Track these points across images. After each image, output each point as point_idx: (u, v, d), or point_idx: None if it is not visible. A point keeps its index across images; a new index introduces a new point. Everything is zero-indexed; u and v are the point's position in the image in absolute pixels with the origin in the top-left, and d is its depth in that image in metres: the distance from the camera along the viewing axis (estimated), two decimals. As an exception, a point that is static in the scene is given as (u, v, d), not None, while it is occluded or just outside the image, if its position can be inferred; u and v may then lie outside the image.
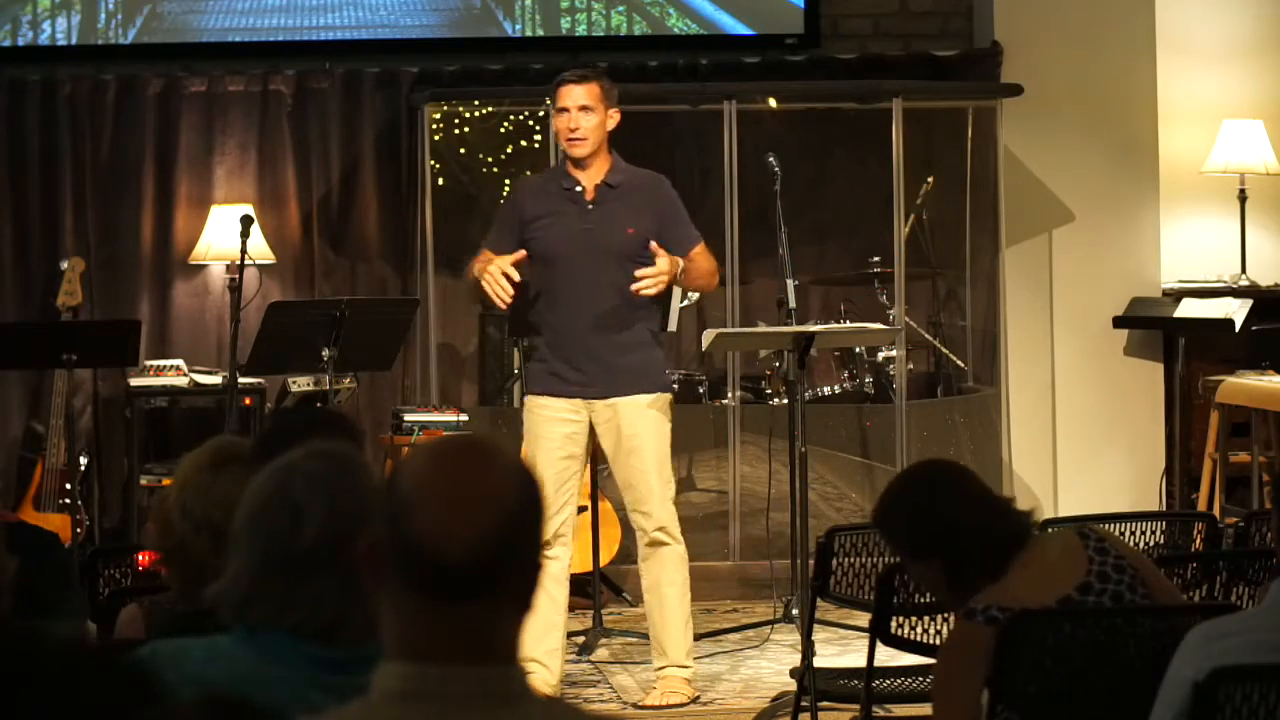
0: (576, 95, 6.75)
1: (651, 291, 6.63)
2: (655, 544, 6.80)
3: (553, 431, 6.73)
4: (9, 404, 9.33)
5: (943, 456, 4.36)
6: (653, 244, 6.65)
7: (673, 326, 8.49)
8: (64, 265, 9.01)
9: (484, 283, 6.61)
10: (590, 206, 6.75)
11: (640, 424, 6.76)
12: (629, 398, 6.76)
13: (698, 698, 6.86)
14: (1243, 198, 9.77)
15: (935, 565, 4.11)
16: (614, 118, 6.80)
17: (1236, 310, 9.11)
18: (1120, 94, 9.67)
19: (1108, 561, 4.10)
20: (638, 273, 6.59)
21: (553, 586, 6.64)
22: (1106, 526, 4.88)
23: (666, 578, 6.82)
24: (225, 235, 8.96)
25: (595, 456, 7.88)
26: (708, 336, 7.28)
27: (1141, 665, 3.92)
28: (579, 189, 6.76)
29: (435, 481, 2.23)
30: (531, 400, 6.85)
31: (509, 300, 6.61)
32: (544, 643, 6.64)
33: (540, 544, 2.28)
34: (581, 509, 8.17)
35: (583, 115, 6.73)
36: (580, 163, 6.76)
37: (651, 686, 6.90)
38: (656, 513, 6.79)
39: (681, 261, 6.68)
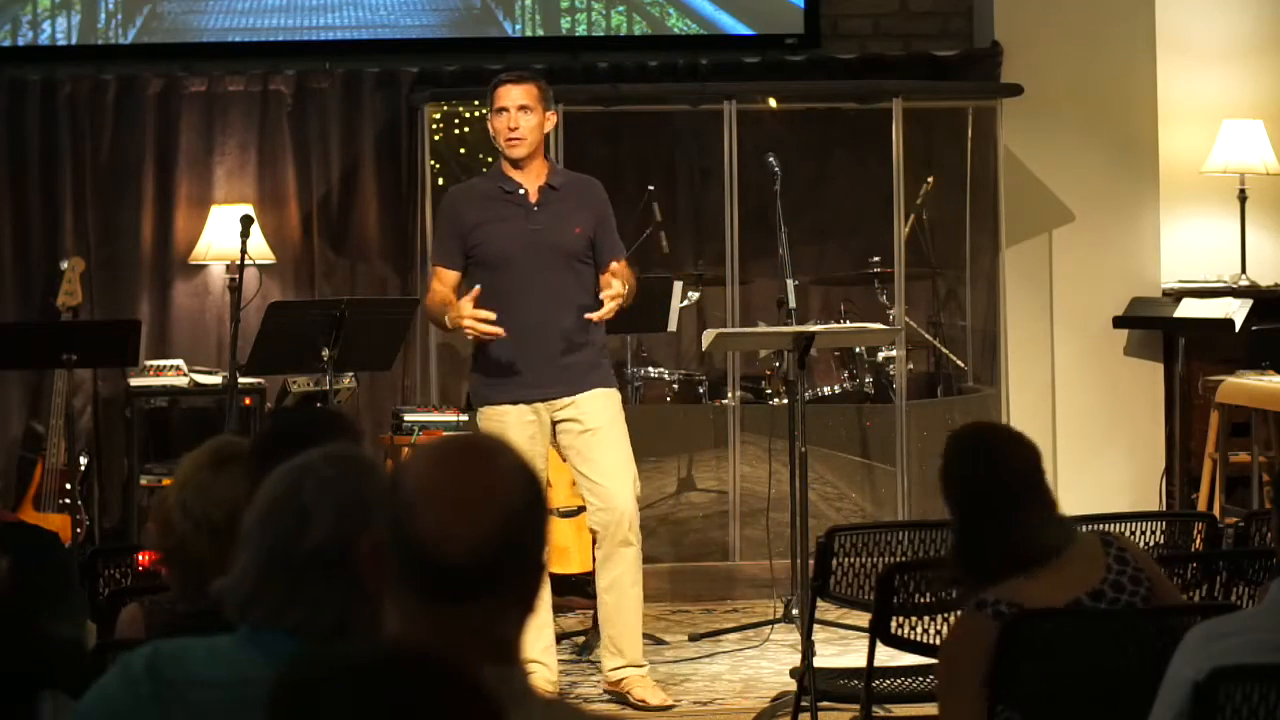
0: (515, 95, 6.72)
1: (610, 315, 6.61)
2: (622, 543, 6.72)
3: (518, 438, 6.56)
4: (9, 404, 9.33)
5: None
6: (604, 276, 6.65)
7: (673, 326, 8.49)
8: (64, 265, 9.01)
9: (470, 333, 6.60)
10: (535, 208, 6.71)
11: (604, 417, 6.72)
12: (589, 393, 6.72)
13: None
14: (1243, 198, 9.78)
15: (968, 536, 4.07)
16: (551, 119, 6.80)
17: (1236, 310, 9.12)
18: (1120, 94, 9.67)
19: (1125, 572, 4.07)
20: (605, 296, 6.58)
21: None
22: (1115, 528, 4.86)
23: (630, 578, 6.75)
24: (225, 235, 8.96)
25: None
26: (708, 336, 7.28)
27: (1141, 665, 3.91)
28: (522, 191, 6.72)
29: (438, 482, 2.23)
30: (490, 410, 6.74)
31: (498, 331, 6.59)
32: (540, 641, 6.65)
33: (544, 544, 2.28)
34: (580, 509, 8.17)
35: (522, 115, 6.70)
36: (518, 164, 6.72)
37: (621, 688, 6.82)
38: (623, 511, 6.71)
39: (629, 281, 6.70)
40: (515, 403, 6.71)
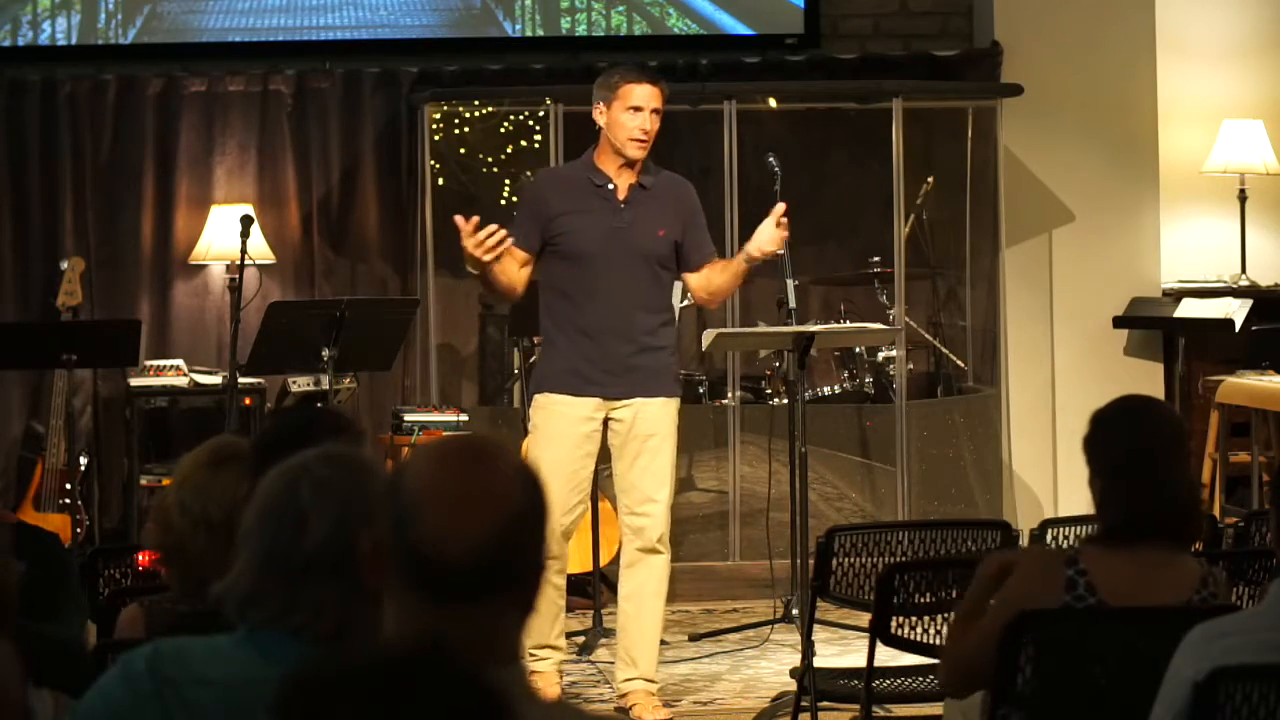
0: (653, 98, 6.67)
1: (780, 243, 6.63)
2: (650, 551, 6.67)
3: (572, 430, 6.59)
4: (9, 404, 9.33)
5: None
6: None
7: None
8: (64, 265, 9.01)
9: (475, 256, 6.42)
10: (623, 206, 6.62)
11: (659, 426, 6.65)
12: (649, 399, 6.64)
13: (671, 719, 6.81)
14: (1243, 198, 9.78)
15: (1096, 486, 4.08)
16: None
17: (1236, 310, 9.12)
18: (1120, 94, 9.68)
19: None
20: (774, 221, 6.59)
21: (556, 577, 6.65)
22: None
23: (652, 588, 6.67)
24: (225, 235, 8.96)
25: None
26: (708, 336, 7.27)
27: (1141, 665, 3.92)
28: (611, 187, 6.62)
29: (439, 483, 2.23)
30: (547, 398, 6.65)
31: (500, 244, 6.42)
32: (555, 627, 6.69)
33: (543, 545, 2.28)
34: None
35: (653, 118, 6.65)
36: (631, 163, 6.63)
37: (626, 703, 6.75)
38: (660, 519, 6.67)
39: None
40: (577, 395, 6.62)
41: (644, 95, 6.65)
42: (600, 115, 6.69)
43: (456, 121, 9.53)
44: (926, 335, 9.69)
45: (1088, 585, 3.99)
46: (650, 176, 6.71)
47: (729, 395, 9.11)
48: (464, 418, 8.79)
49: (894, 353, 9.20)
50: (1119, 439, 4.08)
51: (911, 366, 9.39)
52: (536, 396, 6.73)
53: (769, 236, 6.58)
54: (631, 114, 6.63)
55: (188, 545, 3.55)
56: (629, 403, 6.65)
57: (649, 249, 6.64)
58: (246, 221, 8.27)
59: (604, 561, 8.15)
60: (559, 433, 6.62)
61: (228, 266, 9.17)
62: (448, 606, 2.20)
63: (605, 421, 6.68)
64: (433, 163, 9.34)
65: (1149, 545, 4.02)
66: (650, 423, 6.64)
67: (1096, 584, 3.99)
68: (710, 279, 6.71)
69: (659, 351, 6.69)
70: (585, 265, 6.60)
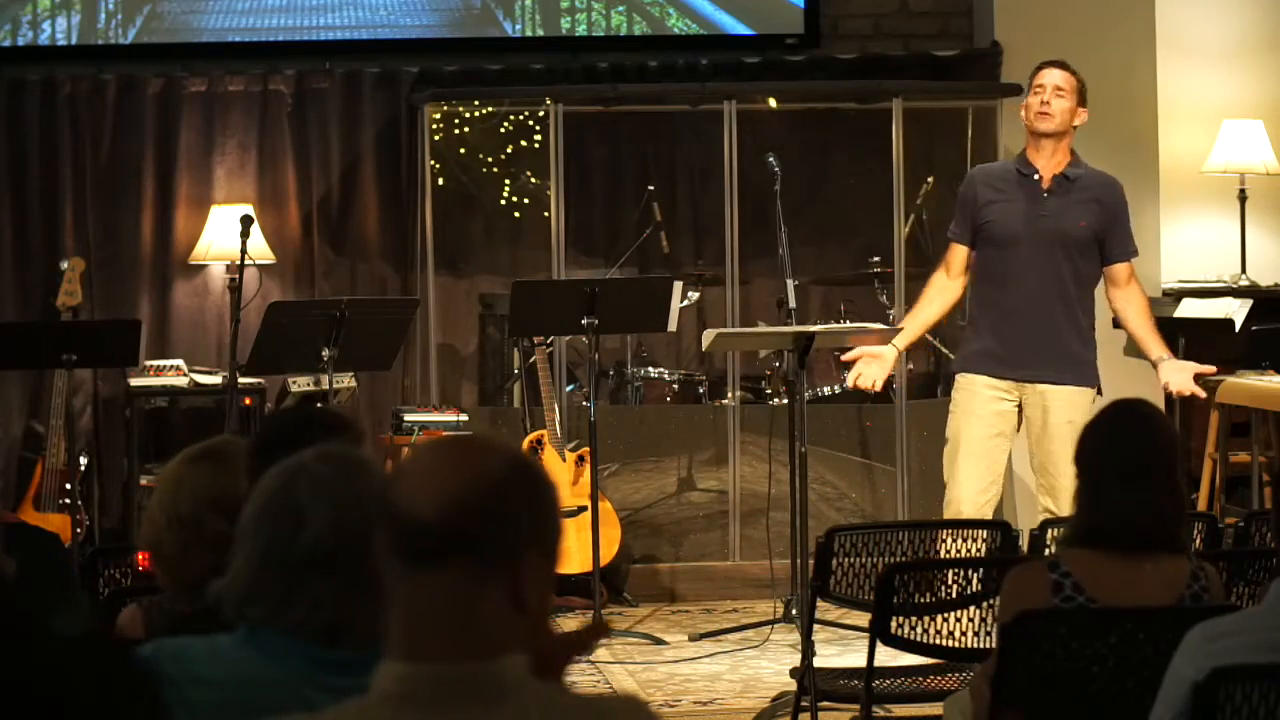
0: (1054, 77, 7.09)
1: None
2: None
3: (986, 409, 6.99)
4: (9, 404, 9.33)
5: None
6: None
7: (673, 326, 8.48)
8: (64, 265, 9.00)
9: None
10: (1046, 195, 7.03)
11: (1069, 414, 6.93)
12: (1059, 387, 7.02)
13: None
14: (1243, 198, 9.78)
15: (1080, 486, 4.10)
16: (1082, 116, 7.12)
17: (1236, 310, 9.11)
18: (1120, 94, 9.67)
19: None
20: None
21: None
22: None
23: None
24: (225, 235, 8.96)
25: (594, 454, 7.87)
26: (708, 336, 7.28)
27: (1141, 665, 3.92)
28: (1036, 176, 7.04)
29: (421, 456, 2.25)
30: (967, 379, 7.07)
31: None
32: None
33: (537, 527, 2.25)
34: (581, 509, 8.17)
35: (1056, 95, 7.03)
36: (1040, 144, 7.02)
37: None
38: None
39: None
40: (994, 376, 7.02)
41: (1043, 76, 7.12)
42: (1025, 110, 7.19)
43: (456, 121, 9.53)
44: (927, 335, 9.67)
45: (1074, 586, 3.99)
46: (1078, 169, 7.12)
47: (729, 395, 9.10)
48: (464, 418, 8.78)
49: (894, 353, 9.19)
50: (1110, 444, 4.09)
51: (911, 366, 9.39)
52: (957, 377, 7.14)
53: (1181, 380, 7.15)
54: (1034, 93, 7.10)
55: (164, 541, 3.55)
56: (1040, 389, 7.01)
57: (1070, 237, 7.04)
58: (246, 221, 8.27)
59: (604, 561, 8.15)
60: (974, 410, 7.04)
61: (228, 266, 9.17)
62: (424, 572, 2.20)
63: (1022, 404, 7.06)
64: (433, 163, 9.34)
65: (1130, 549, 4.04)
66: (1060, 409, 6.99)
67: (1084, 584, 3.99)
68: (1127, 309, 7.24)
69: (1073, 339, 7.09)
70: (1007, 250, 7.03)
